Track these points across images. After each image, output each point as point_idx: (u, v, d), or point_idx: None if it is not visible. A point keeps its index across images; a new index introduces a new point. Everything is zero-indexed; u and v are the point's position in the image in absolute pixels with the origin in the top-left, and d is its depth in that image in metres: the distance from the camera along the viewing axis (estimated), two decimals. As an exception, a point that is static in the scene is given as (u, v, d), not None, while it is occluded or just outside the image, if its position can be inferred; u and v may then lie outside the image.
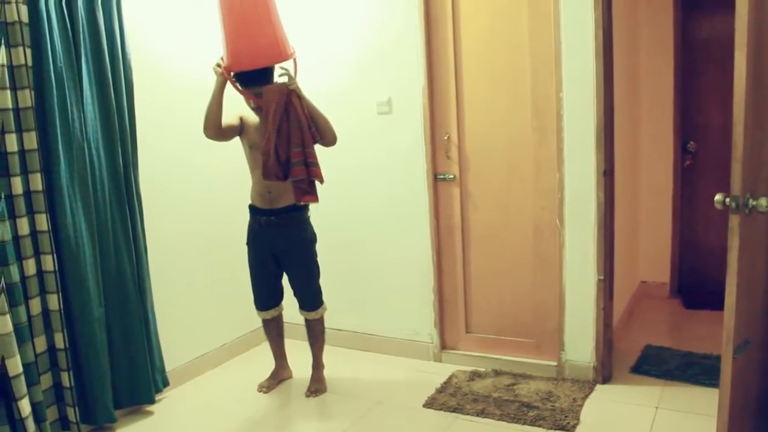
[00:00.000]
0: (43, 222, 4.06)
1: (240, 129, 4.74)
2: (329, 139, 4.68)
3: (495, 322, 5.28)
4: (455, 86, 5.09)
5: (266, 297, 5.06)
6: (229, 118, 4.66)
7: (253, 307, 5.10)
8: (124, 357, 4.65)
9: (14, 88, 3.91)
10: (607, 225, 4.69)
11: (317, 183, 4.66)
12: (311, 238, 4.91)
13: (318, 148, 4.67)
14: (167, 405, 4.97)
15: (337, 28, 5.46)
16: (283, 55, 4.52)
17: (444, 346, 5.46)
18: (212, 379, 5.40)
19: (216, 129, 4.56)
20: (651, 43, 6.36)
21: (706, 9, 6.18)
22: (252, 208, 4.87)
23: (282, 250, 4.85)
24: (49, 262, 4.10)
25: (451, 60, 5.07)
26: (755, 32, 2.56)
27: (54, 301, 4.14)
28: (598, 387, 4.77)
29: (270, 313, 5.10)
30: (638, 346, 5.41)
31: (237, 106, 4.77)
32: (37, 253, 4.10)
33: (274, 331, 5.21)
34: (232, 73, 4.50)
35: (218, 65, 4.50)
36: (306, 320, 5.05)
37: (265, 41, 4.43)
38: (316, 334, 5.08)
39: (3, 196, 3.81)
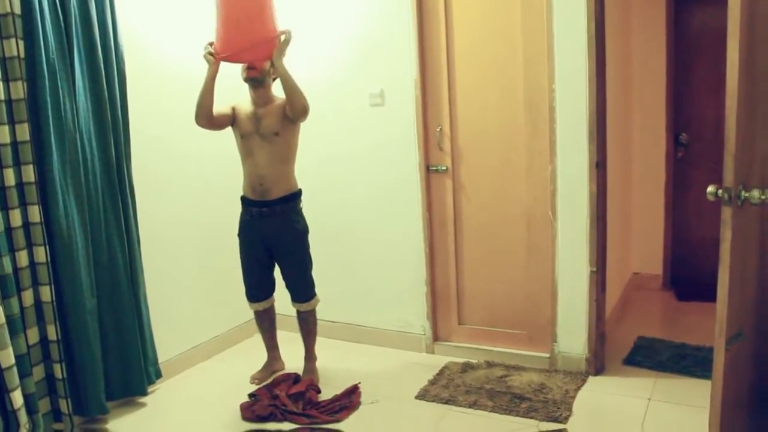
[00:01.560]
0: (35, 213, 4.05)
1: (232, 119, 4.75)
2: (298, 109, 4.59)
3: (487, 313, 5.29)
4: (448, 78, 5.09)
5: (258, 289, 5.06)
6: (221, 107, 4.68)
7: (245, 298, 5.10)
8: (116, 348, 4.65)
9: (6, 80, 3.89)
10: (599, 217, 4.70)
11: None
12: (303, 230, 4.91)
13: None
14: (160, 396, 4.97)
15: (330, 19, 5.45)
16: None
17: (436, 338, 5.47)
18: (205, 371, 5.41)
19: (208, 118, 4.58)
20: (643, 34, 6.36)
21: (699, 0, 6.19)
22: (244, 199, 4.86)
23: (274, 242, 4.85)
24: (41, 254, 4.09)
25: (444, 52, 5.07)
26: (748, 21, 2.56)
27: (46, 293, 4.14)
28: (591, 379, 4.78)
29: (262, 305, 5.10)
30: (631, 338, 5.43)
31: (230, 96, 4.77)
32: (30, 245, 4.09)
33: (266, 322, 5.21)
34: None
35: (210, 54, 4.50)
36: (298, 312, 5.05)
37: (259, 35, 4.43)
38: (308, 326, 5.09)
39: (-5, 188, 3.81)
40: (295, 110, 4.59)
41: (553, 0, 4.57)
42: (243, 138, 4.73)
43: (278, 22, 4.56)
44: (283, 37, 4.53)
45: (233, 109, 4.77)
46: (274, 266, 5.03)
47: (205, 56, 4.52)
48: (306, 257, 4.96)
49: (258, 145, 4.68)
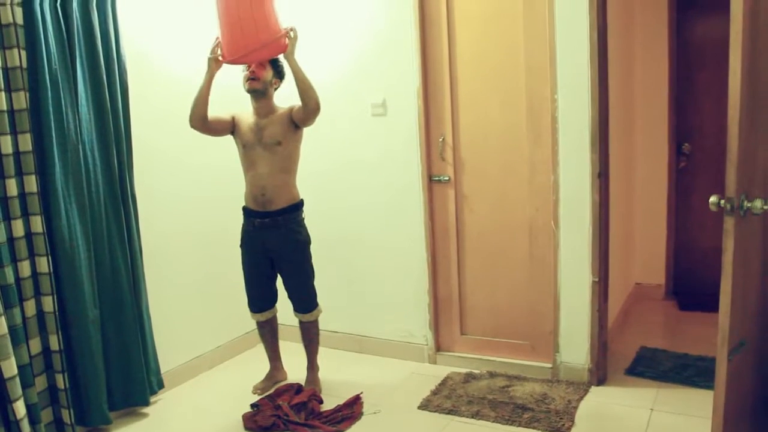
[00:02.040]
0: (37, 224, 4.06)
1: (232, 127, 4.78)
2: (311, 107, 4.57)
3: (490, 323, 5.28)
4: (450, 88, 5.09)
5: (260, 299, 5.06)
6: (221, 113, 4.72)
7: (248, 309, 5.10)
8: (118, 359, 4.65)
9: (9, 90, 3.90)
10: (602, 227, 4.69)
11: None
12: (305, 240, 4.91)
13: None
14: (162, 407, 4.96)
15: (332, 29, 5.46)
16: (282, 48, 4.55)
17: (439, 348, 5.46)
18: (207, 381, 5.40)
19: (202, 120, 4.61)
20: (646, 44, 6.37)
21: (701, 10, 6.19)
22: (245, 210, 4.86)
23: (276, 252, 4.85)
24: (43, 264, 4.09)
25: (446, 62, 5.07)
26: (750, 30, 2.57)
27: (49, 303, 4.14)
28: (593, 389, 4.77)
29: (264, 316, 5.10)
30: (633, 348, 5.42)
31: (232, 105, 4.79)
32: (32, 255, 4.10)
33: (269, 333, 5.20)
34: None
35: (216, 58, 4.54)
36: (300, 322, 5.04)
37: (264, 38, 4.43)
38: (310, 336, 5.08)
39: (-3, 198, 3.81)
40: (308, 108, 4.56)
41: (555, 9, 4.58)
42: (245, 148, 4.73)
43: (281, 20, 4.56)
44: (292, 34, 4.53)
45: (234, 117, 4.78)
46: (276, 277, 5.03)
47: (209, 59, 4.54)
48: (308, 268, 4.95)
49: (260, 155, 4.68)
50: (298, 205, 4.86)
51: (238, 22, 4.37)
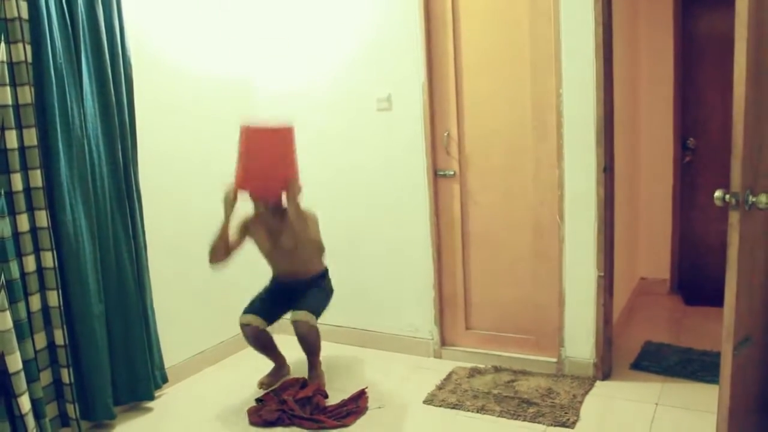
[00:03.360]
0: (42, 218, 4.05)
1: (243, 236, 4.92)
2: (311, 251, 4.80)
3: (495, 318, 5.28)
4: (455, 83, 5.09)
5: (261, 311, 4.98)
6: (233, 233, 4.83)
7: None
8: (123, 354, 4.66)
9: (14, 85, 3.90)
10: (607, 221, 4.69)
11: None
12: (328, 289, 5.12)
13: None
14: (166, 401, 4.97)
15: (338, 24, 5.46)
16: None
17: (444, 343, 5.46)
18: (211, 376, 5.41)
19: (223, 262, 4.79)
20: (651, 39, 6.37)
21: (706, 4, 6.18)
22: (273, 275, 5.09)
23: (299, 296, 4.94)
24: (48, 259, 4.09)
25: (451, 57, 5.07)
26: (755, 25, 2.56)
27: (54, 298, 4.13)
28: (598, 383, 4.77)
29: (255, 320, 4.92)
30: (638, 343, 5.42)
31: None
32: (37, 250, 4.09)
33: (259, 344, 5.07)
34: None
35: (231, 195, 4.65)
36: (296, 329, 4.84)
37: (281, 177, 4.63)
38: (309, 346, 4.95)
39: (3, 193, 3.80)
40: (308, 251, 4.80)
41: (560, 5, 4.57)
42: (262, 250, 4.92)
43: (297, 164, 4.71)
44: (296, 186, 4.68)
45: (247, 229, 4.93)
46: (288, 311, 5.07)
47: (226, 194, 4.64)
48: (322, 299, 5.03)
49: (280, 255, 4.90)
50: (324, 273, 5.09)
51: (258, 163, 4.56)
